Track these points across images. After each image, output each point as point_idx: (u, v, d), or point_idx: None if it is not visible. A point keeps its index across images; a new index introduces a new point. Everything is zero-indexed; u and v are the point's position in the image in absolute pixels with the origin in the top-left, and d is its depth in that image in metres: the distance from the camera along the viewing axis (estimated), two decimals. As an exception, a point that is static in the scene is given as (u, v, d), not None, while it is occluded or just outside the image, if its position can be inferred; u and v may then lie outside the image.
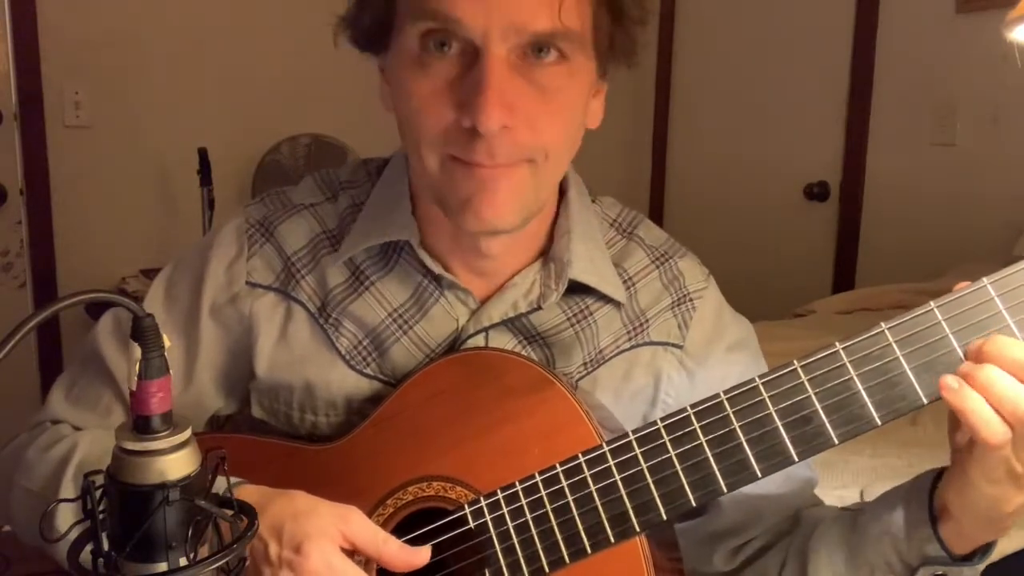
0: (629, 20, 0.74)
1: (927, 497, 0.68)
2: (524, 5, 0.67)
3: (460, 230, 0.76)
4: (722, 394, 0.67)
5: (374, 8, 0.73)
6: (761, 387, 0.66)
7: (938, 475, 0.69)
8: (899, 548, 0.69)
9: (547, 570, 0.70)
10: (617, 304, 0.82)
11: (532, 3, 0.67)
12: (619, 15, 0.73)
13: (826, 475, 1.32)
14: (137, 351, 0.47)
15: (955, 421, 0.64)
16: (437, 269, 0.79)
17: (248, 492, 0.69)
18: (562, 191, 0.83)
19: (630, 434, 0.69)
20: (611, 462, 0.69)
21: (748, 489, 0.68)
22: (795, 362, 0.65)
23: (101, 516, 0.48)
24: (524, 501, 0.71)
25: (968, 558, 0.68)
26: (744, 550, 0.84)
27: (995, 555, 0.69)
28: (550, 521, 0.70)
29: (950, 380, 0.61)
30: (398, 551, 0.68)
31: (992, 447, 0.60)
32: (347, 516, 0.67)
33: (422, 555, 0.69)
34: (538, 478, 0.70)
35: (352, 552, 0.67)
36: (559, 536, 0.69)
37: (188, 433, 0.49)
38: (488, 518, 0.71)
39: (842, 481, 1.36)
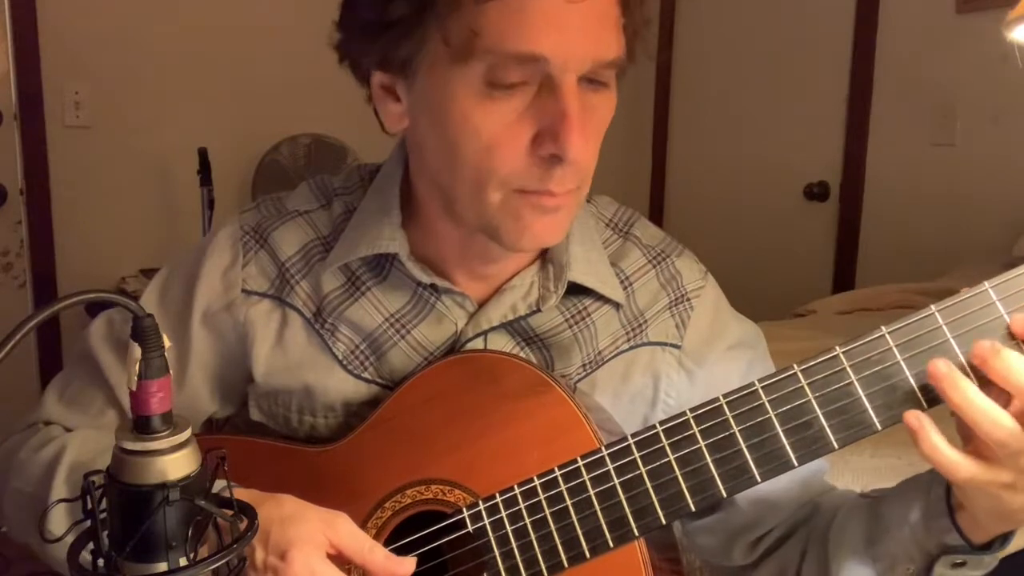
0: (645, 28, 0.75)
1: (945, 488, 0.68)
2: (599, 37, 0.67)
3: (473, 239, 0.76)
4: (721, 398, 0.67)
5: (414, 34, 0.69)
6: (761, 391, 0.66)
7: None
8: (918, 538, 0.69)
9: (546, 574, 0.69)
10: (616, 305, 0.82)
11: (605, 34, 0.68)
12: (638, 29, 0.73)
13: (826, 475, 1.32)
14: (137, 351, 0.47)
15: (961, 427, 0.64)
16: (429, 279, 0.79)
17: (238, 495, 0.69)
18: None
19: (629, 438, 0.69)
20: (610, 466, 0.69)
21: (761, 484, 0.68)
22: (795, 366, 0.65)
23: (101, 516, 0.48)
24: (522, 505, 0.70)
25: (987, 546, 0.68)
26: (763, 542, 0.84)
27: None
28: (549, 525, 0.69)
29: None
30: (384, 560, 0.67)
31: (958, 483, 0.61)
32: (334, 522, 0.67)
33: (406, 565, 0.68)
34: (537, 482, 0.70)
35: (339, 558, 0.67)
36: (558, 540, 0.69)
37: (188, 433, 0.49)
38: (486, 522, 0.71)
39: (842, 481, 1.35)
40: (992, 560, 0.68)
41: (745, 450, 0.66)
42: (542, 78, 0.67)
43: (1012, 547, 1.17)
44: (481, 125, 0.68)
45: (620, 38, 0.70)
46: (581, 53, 0.67)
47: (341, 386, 0.81)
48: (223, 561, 0.48)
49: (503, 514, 0.71)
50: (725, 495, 0.66)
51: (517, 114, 0.68)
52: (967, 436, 0.62)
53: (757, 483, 0.66)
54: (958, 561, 0.68)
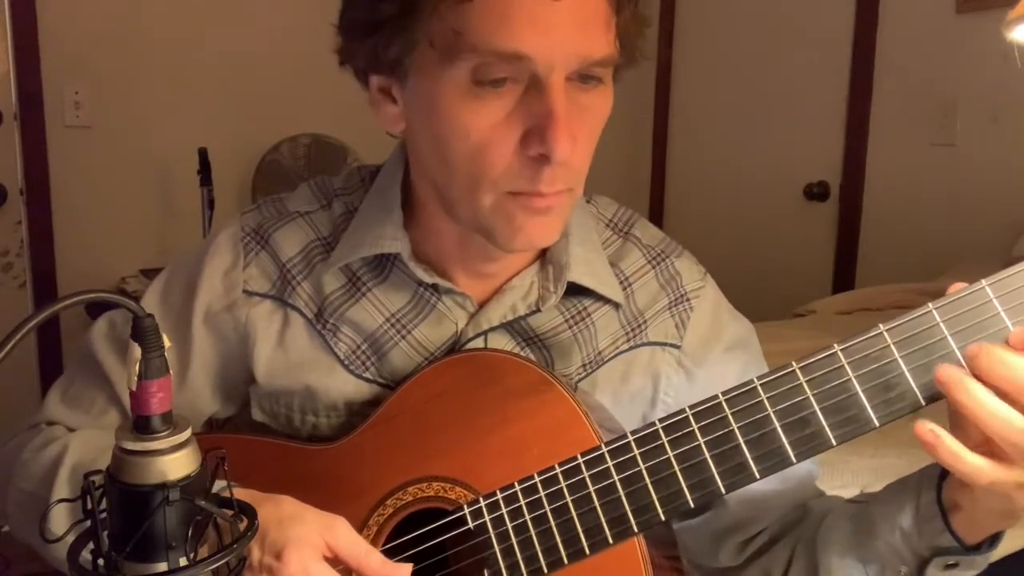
0: (643, 24, 0.74)
1: (936, 491, 0.68)
2: (585, 35, 0.67)
3: (471, 238, 0.76)
4: (720, 395, 0.67)
5: (401, 36, 0.70)
6: (759, 388, 0.66)
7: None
8: (911, 541, 0.69)
9: (546, 571, 0.70)
10: (615, 305, 0.82)
11: (592, 32, 0.67)
12: (631, 26, 0.73)
13: (826, 474, 1.32)
14: (137, 351, 0.47)
15: (957, 429, 0.64)
16: (431, 279, 0.79)
17: (236, 496, 0.69)
18: None
19: (629, 435, 0.69)
20: (610, 463, 0.69)
21: (751, 485, 0.68)
22: (793, 363, 0.65)
23: (101, 516, 0.48)
24: (523, 502, 0.71)
25: (978, 547, 0.67)
26: (751, 544, 0.84)
27: (994, 556, 0.69)
28: (549, 522, 0.70)
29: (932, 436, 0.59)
30: (380, 566, 0.67)
31: (980, 487, 0.60)
32: (332, 525, 0.66)
33: (402, 571, 0.67)
34: (537, 479, 0.70)
35: (336, 562, 0.67)
36: (558, 537, 0.69)
37: (188, 433, 0.49)
38: (487, 519, 0.71)
39: (842, 481, 1.36)
40: (984, 560, 0.68)
41: (744, 447, 0.66)
42: (529, 76, 0.67)
43: (1011, 547, 1.17)
44: (470, 125, 0.68)
45: (610, 36, 0.69)
46: (567, 52, 0.66)
47: (343, 386, 0.81)
48: (223, 561, 0.48)
49: (504, 511, 0.71)
50: (724, 491, 0.66)
51: (505, 113, 0.68)
52: (978, 439, 0.61)
53: (756, 480, 0.66)
54: (950, 562, 0.68)
